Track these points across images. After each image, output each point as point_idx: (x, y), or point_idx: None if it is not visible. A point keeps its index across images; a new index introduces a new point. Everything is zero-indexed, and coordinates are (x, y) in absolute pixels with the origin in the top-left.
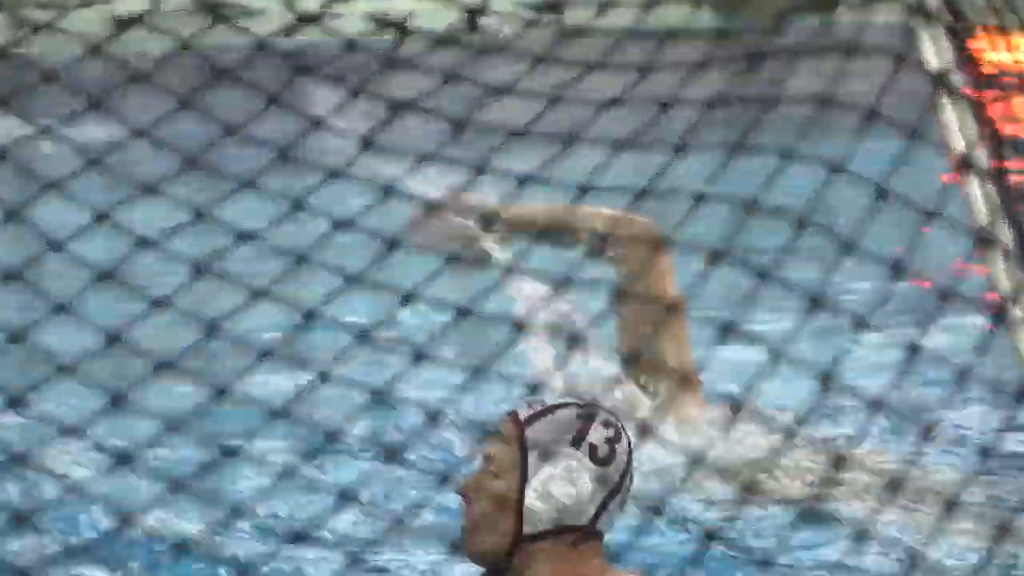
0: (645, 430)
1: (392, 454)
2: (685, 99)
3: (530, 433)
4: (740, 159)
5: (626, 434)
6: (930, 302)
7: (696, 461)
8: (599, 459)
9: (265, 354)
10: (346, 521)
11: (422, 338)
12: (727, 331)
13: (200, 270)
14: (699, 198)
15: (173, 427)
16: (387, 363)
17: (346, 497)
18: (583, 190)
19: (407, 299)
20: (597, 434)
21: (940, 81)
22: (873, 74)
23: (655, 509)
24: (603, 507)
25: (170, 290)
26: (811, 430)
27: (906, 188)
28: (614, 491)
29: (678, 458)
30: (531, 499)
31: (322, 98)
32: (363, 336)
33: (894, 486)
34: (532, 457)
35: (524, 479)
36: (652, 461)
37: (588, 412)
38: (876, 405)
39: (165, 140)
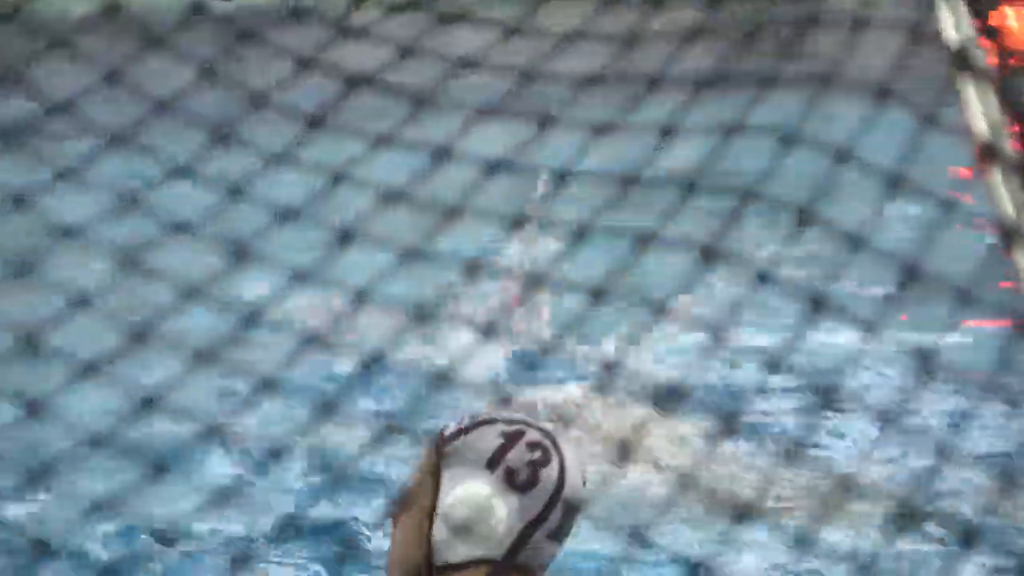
0: (625, 447)
1: (340, 473)
2: (674, 75)
3: (448, 451)
4: (735, 143)
5: (560, 457)
6: (947, 306)
7: (685, 483)
8: (517, 484)
9: (198, 359)
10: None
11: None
12: (718, 338)
13: (127, 263)
14: (689, 187)
15: (96, 440)
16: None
17: (292, 519)
18: (560, 177)
19: (360, 298)
20: (518, 456)
21: (960, 57)
22: (884, 49)
23: (638, 538)
24: (523, 539)
25: (93, 285)
26: (810, 447)
27: (921, 177)
28: (537, 521)
29: (664, 480)
30: (437, 525)
31: (265, 70)
32: (311, 338)
33: (903, 512)
34: (445, 479)
35: (435, 503)
36: (632, 483)
37: (514, 430)
38: (884, 418)
39: (88, 115)
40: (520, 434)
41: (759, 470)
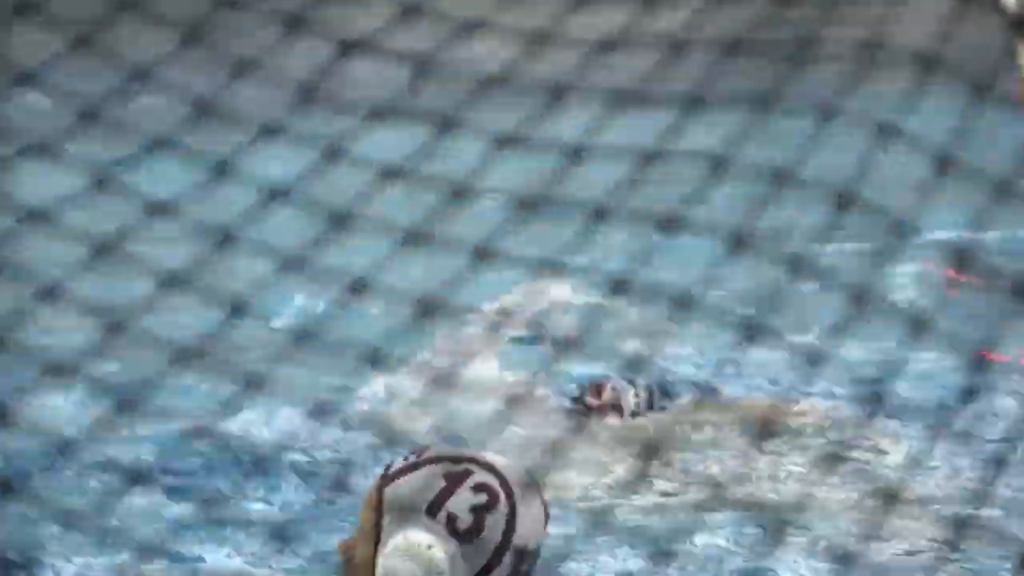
0: (650, 450)
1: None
2: (699, 41)
3: (390, 493)
4: (768, 117)
5: (509, 500)
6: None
7: (716, 492)
8: (459, 532)
9: (182, 358)
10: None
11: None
12: (752, 333)
13: (102, 250)
14: (717, 166)
15: (66, 449)
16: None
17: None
18: (574, 153)
19: (357, 287)
20: (460, 501)
21: (1018, 25)
22: (933, 15)
23: (664, 554)
24: None
25: (64, 275)
26: (854, 455)
27: (974, 156)
28: (485, 571)
29: (692, 491)
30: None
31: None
32: (304, 335)
33: (959, 528)
34: (386, 523)
35: (376, 548)
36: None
37: (458, 471)
38: (936, 425)
39: (58, 86)
40: (465, 475)
41: (797, 480)
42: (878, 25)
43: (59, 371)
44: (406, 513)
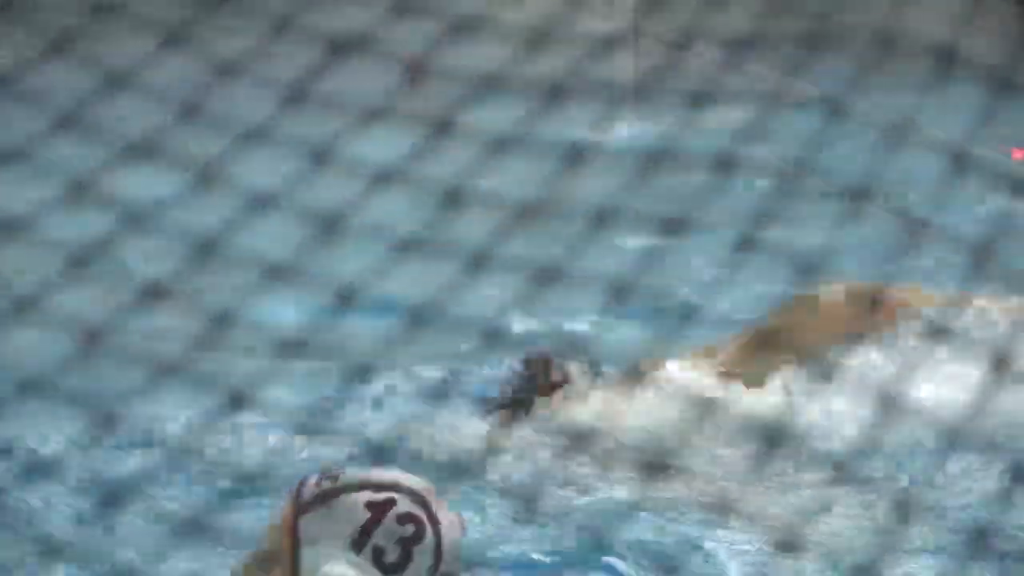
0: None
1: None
2: (707, 35)
3: (307, 523)
4: (776, 114)
5: (435, 527)
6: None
7: (723, 509)
8: (386, 566)
9: (164, 371)
10: None
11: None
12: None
13: (80, 259)
14: (724, 162)
15: (51, 467)
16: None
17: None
18: (574, 153)
19: (347, 296)
20: (386, 533)
21: None
22: (949, 6)
23: (668, 569)
24: None
25: (40, 286)
26: (868, 465)
27: (992, 154)
28: None
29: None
30: None
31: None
32: (292, 347)
33: (977, 542)
34: (305, 556)
35: None
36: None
37: (382, 500)
38: (952, 434)
39: (34, 91)
40: (389, 504)
41: (805, 491)
42: (892, 16)
43: (36, 385)
44: (328, 547)
